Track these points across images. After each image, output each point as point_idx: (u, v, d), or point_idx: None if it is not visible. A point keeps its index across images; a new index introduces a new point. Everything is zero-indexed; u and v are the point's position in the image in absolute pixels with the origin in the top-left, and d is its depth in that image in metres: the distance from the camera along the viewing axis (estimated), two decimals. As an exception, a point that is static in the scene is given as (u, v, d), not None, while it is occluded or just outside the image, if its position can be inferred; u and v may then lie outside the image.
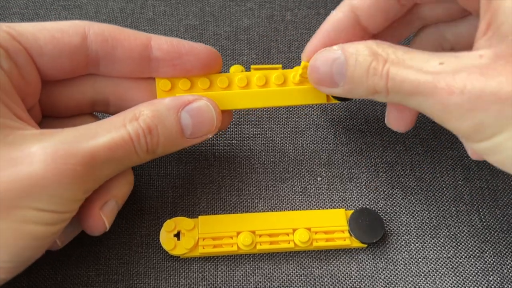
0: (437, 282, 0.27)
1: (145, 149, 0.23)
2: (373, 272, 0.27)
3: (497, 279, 0.27)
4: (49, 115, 0.26)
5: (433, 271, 0.27)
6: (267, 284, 0.27)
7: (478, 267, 0.27)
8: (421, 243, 0.28)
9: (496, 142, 0.19)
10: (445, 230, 0.29)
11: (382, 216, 0.29)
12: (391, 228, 0.29)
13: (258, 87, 0.26)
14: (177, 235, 0.27)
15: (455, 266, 0.27)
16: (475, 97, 0.19)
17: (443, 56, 0.20)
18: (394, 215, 0.29)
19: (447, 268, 0.27)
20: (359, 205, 0.29)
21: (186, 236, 0.27)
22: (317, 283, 0.27)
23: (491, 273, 0.27)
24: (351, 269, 0.27)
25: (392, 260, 0.28)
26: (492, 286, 0.27)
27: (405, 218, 0.29)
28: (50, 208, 0.20)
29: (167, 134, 0.23)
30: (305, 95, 0.26)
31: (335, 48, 0.23)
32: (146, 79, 0.26)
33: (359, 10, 0.24)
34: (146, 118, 0.23)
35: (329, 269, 0.27)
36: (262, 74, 0.26)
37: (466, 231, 0.29)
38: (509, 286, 0.27)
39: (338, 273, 0.27)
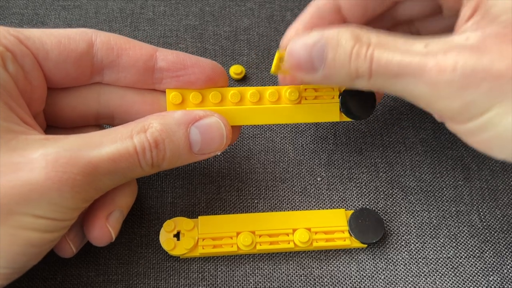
0: (437, 282, 0.27)
1: (150, 162, 0.22)
2: (373, 272, 0.27)
3: (497, 279, 0.27)
4: (54, 126, 0.26)
5: (433, 271, 0.27)
6: (267, 284, 0.27)
7: (478, 267, 0.27)
8: (421, 243, 0.28)
9: (484, 120, 0.19)
10: (445, 230, 0.29)
11: (382, 216, 0.29)
12: (391, 228, 0.29)
13: (270, 103, 0.26)
14: (177, 235, 0.27)
15: (455, 266, 0.27)
16: (467, 74, 0.18)
17: (428, 40, 0.20)
18: (394, 215, 0.29)
19: (447, 268, 0.27)
20: (359, 205, 0.29)
21: (186, 236, 0.27)
22: (317, 283, 0.27)
23: (491, 273, 0.27)
24: (351, 269, 0.27)
25: (392, 260, 0.27)
26: (492, 287, 0.27)
27: (405, 218, 0.29)
28: (48, 216, 0.20)
29: (174, 149, 0.23)
30: (318, 112, 0.26)
31: (314, 32, 0.22)
32: (152, 93, 0.26)
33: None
34: (154, 131, 0.22)
35: (329, 270, 0.27)
36: (275, 89, 0.26)
37: (466, 231, 0.29)
38: (509, 286, 0.27)
39: (338, 273, 0.27)
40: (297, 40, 0.22)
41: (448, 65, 0.19)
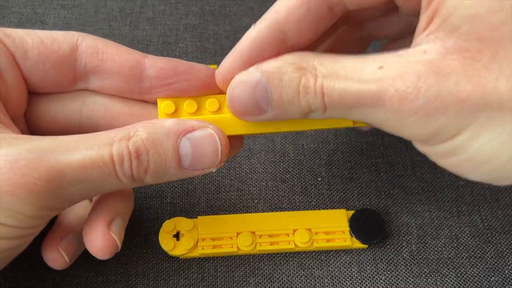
0: (438, 283, 0.27)
1: (129, 174, 0.20)
2: (373, 273, 0.27)
3: (499, 280, 0.27)
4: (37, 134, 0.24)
5: (434, 272, 0.27)
6: (267, 285, 0.26)
7: (480, 268, 0.27)
8: (422, 243, 0.28)
9: (453, 144, 0.18)
10: (446, 230, 0.28)
11: (383, 217, 0.28)
12: (392, 229, 0.28)
13: None
14: (177, 236, 0.27)
15: (456, 267, 0.27)
16: (432, 101, 0.17)
17: (380, 58, 0.19)
18: (395, 215, 0.29)
19: (448, 269, 0.27)
20: (360, 205, 0.29)
21: (186, 236, 0.27)
22: (317, 283, 0.27)
23: (492, 274, 0.27)
24: (351, 270, 0.27)
25: (393, 261, 0.27)
26: (494, 287, 0.27)
27: (406, 218, 0.29)
28: (2, 221, 0.18)
29: (160, 162, 0.20)
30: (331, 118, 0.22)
31: (252, 70, 0.20)
32: (141, 105, 0.24)
33: (286, 25, 0.21)
34: (138, 140, 0.20)
35: (329, 270, 0.27)
36: None
37: (467, 231, 0.28)
38: (510, 287, 0.27)
39: (339, 274, 0.27)
40: (236, 83, 0.21)
41: (409, 92, 0.18)
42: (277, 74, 0.20)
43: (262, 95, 0.20)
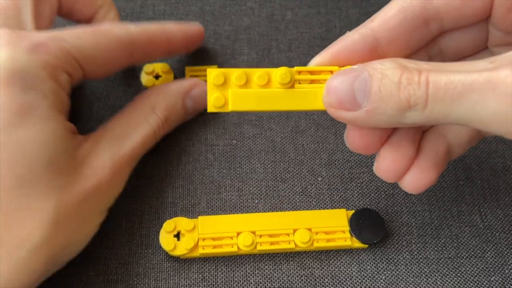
0: (438, 283, 0.27)
1: (162, 134, 0.29)
2: (374, 273, 0.27)
3: (499, 279, 0.27)
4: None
5: (434, 271, 0.27)
6: (267, 284, 0.27)
7: (480, 268, 0.27)
8: (422, 243, 0.28)
9: None
10: (446, 230, 0.28)
11: (383, 217, 0.28)
12: (392, 229, 0.28)
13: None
14: (177, 236, 0.27)
15: (456, 267, 0.27)
16: None
17: (490, 58, 0.18)
18: (395, 215, 0.29)
19: (449, 269, 0.27)
20: (360, 205, 0.29)
21: (186, 236, 0.27)
22: (317, 283, 0.27)
23: (492, 273, 0.27)
24: (351, 270, 0.27)
25: (393, 261, 0.27)
26: (494, 287, 0.27)
27: (406, 218, 0.29)
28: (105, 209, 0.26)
29: (177, 117, 0.30)
30: None
31: (355, 66, 0.20)
32: None
33: (379, 32, 0.21)
34: (163, 110, 0.28)
35: (329, 270, 0.27)
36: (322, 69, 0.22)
37: (467, 231, 0.28)
38: (510, 286, 0.27)
39: (339, 274, 0.27)
40: (336, 76, 0.20)
41: None
42: (379, 70, 0.19)
43: (361, 87, 0.19)
